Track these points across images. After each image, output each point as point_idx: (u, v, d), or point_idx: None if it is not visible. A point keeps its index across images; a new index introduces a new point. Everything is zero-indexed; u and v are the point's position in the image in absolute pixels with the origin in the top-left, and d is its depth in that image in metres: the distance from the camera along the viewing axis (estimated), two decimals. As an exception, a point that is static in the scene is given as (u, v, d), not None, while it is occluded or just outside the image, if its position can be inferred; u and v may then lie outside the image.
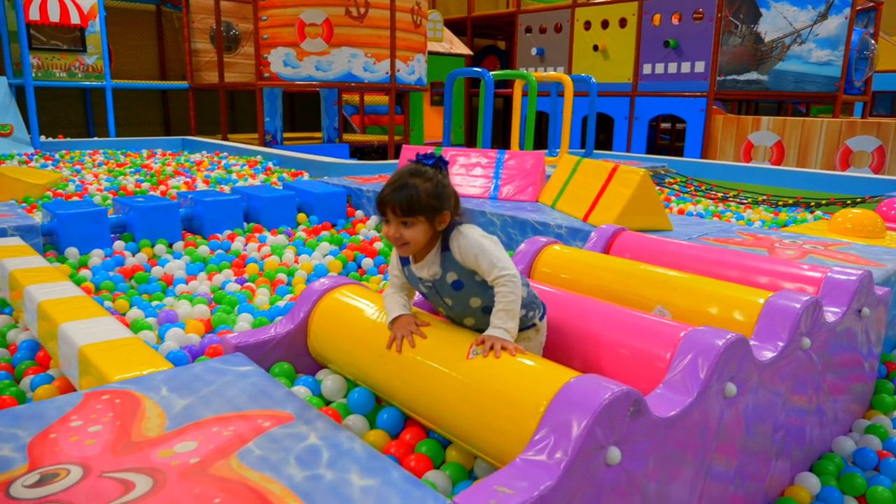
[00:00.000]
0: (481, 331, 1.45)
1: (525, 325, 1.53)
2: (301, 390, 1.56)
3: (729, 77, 8.50)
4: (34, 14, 8.37)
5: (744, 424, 1.47)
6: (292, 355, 1.69)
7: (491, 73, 5.52)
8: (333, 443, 1.13)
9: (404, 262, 1.53)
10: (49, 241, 3.35)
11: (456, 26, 12.40)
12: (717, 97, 8.73)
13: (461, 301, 1.49)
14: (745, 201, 5.39)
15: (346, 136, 9.98)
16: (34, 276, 2.32)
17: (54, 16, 8.56)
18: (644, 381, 1.41)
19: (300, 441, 1.13)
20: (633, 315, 1.58)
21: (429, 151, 1.48)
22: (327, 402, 1.59)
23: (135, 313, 2.44)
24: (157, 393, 1.31)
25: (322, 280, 1.81)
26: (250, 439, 1.14)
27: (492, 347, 1.33)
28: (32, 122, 8.00)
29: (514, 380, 1.24)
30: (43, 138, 8.42)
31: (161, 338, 2.20)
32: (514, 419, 1.18)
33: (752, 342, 1.59)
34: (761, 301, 1.70)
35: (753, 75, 8.39)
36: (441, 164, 1.47)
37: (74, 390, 1.79)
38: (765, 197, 5.52)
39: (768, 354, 1.54)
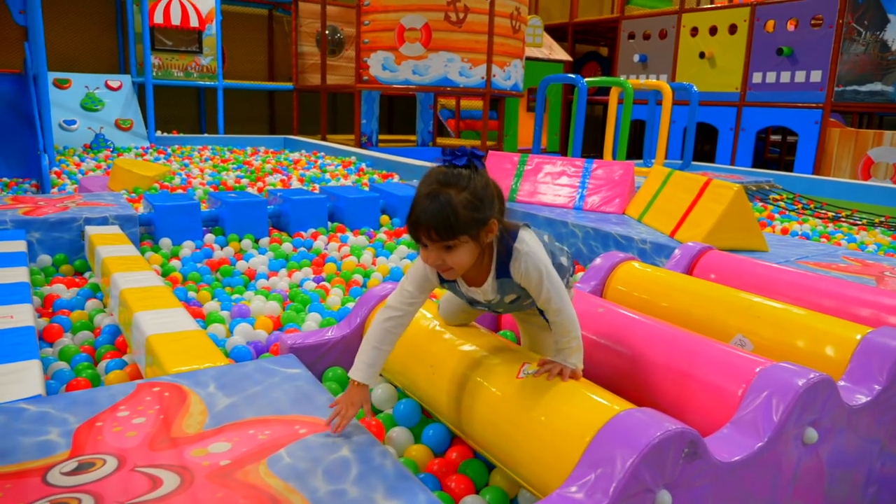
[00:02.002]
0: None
1: None
2: (350, 396, 1.53)
3: (849, 88, 7.88)
4: (158, 17, 8.96)
5: (826, 476, 1.32)
6: (347, 360, 1.67)
7: (585, 80, 5.37)
8: (365, 457, 1.09)
9: (441, 279, 1.29)
10: (147, 231, 3.53)
11: (557, 32, 12.21)
12: (834, 109, 8.12)
13: (513, 309, 1.42)
14: (858, 222, 4.96)
15: (440, 140, 10.04)
16: (122, 264, 2.44)
17: (176, 19, 9.12)
18: (710, 419, 1.29)
19: (332, 452, 1.10)
20: (704, 343, 1.45)
21: (459, 148, 1.23)
22: (377, 411, 1.56)
23: (211, 306, 2.52)
24: (205, 389, 1.32)
25: (383, 284, 1.78)
26: (283, 445, 1.12)
27: (555, 370, 1.22)
28: (150, 117, 8.55)
29: (563, 406, 1.15)
30: (158, 133, 8.98)
31: (231, 332, 2.25)
32: (556, 448, 1.10)
33: (842, 383, 1.43)
34: (858, 337, 1.52)
35: (877, 86, 7.73)
36: (476, 162, 1.22)
37: (142, 377, 1.86)
38: (882, 219, 5.05)
39: (861, 399, 1.37)
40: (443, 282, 1.31)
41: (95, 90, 8.54)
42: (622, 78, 9.50)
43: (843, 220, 5.09)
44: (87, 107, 8.37)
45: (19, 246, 2.67)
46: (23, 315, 1.86)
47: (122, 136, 8.30)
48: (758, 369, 1.30)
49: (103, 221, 3.20)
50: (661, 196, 3.37)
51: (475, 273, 1.28)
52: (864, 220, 5.00)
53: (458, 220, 1.14)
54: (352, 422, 1.21)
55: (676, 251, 2.39)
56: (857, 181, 6.67)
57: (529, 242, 1.27)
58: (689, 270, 2.30)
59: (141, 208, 3.78)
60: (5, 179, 5.84)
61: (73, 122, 8.09)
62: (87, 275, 3.02)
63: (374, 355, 1.25)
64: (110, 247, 2.70)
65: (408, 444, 1.42)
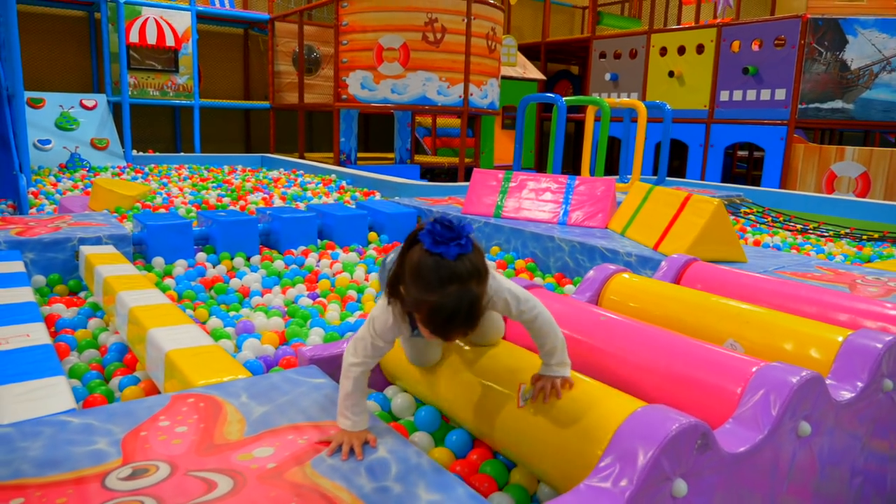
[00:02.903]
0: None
1: None
2: (371, 405, 1.61)
3: (811, 105, 8.21)
4: (134, 36, 8.96)
5: (818, 468, 1.43)
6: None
7: (564, 98, 5.53)
8: (402, 457, 1.17)
9: (416, 327, 1.26)
10: (138, 250, 3.56)
11: (530, 51, 12.48)
12: (798, 125, 8.44)
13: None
14: (825, 234, 5.18)
15: (418, 158, 10.16)
16: (126, 282, 2.47)
17: (152, 38, 9.13)
18: (712, 416, 1.39)
19: (370, 453, 1.18)
20: (702, 347, 1.56)
21: (460, 225, 1.12)
22: (395, 419, 1.63)
23: (214, 322, 2.57)
24: (238, 399, 1.38)
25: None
26: (323, 448, 1.19)
27: (548, 388, 1.28)
28: (126, 137, 8.52)
29: (581, 407, 1.25)
30: (134, 152, 8.94)
31: (238, 347, 2.30)
32: (579, 445, 1.19)
33: (828, 381, 1.55)
34: (840, 339, 1.64)
35: (838, 104, 8.08)
36: (471, 241, 1.14)
37: (158, 392, 1.90)
38: (848, 230, 5.29)
39: (846, 395, 1.49)
40: (413, 329, 1.31)
41: (70, 109, 8.49)
42: (595, 96, 9.75)
43: (811, 232, 5.31)
44: (61, 126, 8.31)
45: (18, 266, 2.69)
46: (38, 333, 1.89)
47: (99, 155, 8.25)
48: (754, 369, 1.41)
49: (97, 241, 3.22)
50: (642, 211, 3.51)
51: None
52: (831, 232, 5.22)
53: (480, 311, 1.15)
54: (382, 426, 1.29)
55: (663, 263, 2.51)
56: (822, 195, 6.95)
57: (494, 287, 1.27)
58: (676, 281, 2.42)
59: (130, 228, 3.80)
60: (-18, 200, 5.77)
61: (48, 142, 8.03)
62: (82, 294, 3.03)
63: (360, 403, 1.24)
64: (109, 266, 2.73)
65: (429, 448, 1.50)
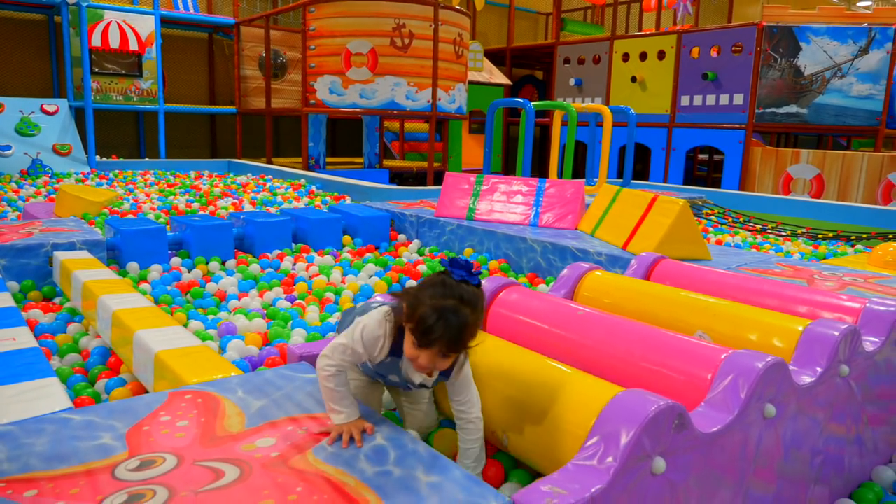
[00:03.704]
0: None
1: None
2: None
3: (768, 110, 8.51)
4: (96, 40, 8.83)
5: (782, 448, 1.53)
6: (350, 367, 1.81)
7: (532, 103, 5.65)
8: (399, 444, 1.23)
9: (393, 353, 1.35)
10: (111, 256, 3.54)
11: (495, 56, 12.64)
12: (755, 129, 8.73)
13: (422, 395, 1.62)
14: (783, 234, 5.39)
15: (386, 162, 10.21)
16: (105, 287, 2.48)
17: (115, 42, 9.01)
18: (686, 401, 1.48)
19: (368, 441, 1.23)
20: (674, 338, 1.65)
21: (472, 264, 1.28)
22: (387, 415, 1.69)
23: (195, 325, 2.59)
24: (234, 394, 1.42)
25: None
26: (322, 438, 1.25)
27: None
28: (90, 142, 8.39)
29: (565, 394, 1.33)
30: (98, 158, 8.80)
31: (222, 348, 2.33)
32: (564, 429, 1.27)
33: (791, 367, 1.65)
34: (800, 328, 1.76)
35: (793, 108, 8.39)
36: (479, 281, 1.29)
37: (146, 392, 1.93)
38: (804, 230, 5.51)
39: (807, 379, 1.60)
40: (389, 355, 1.36)
41: (31, 114, 8.32)
42: (561, 100, 9.93)
43: (770, 231, 5.51)
44: (22, 132, 8.14)
45: (-7, 272, 2.67)
46: (23, 337, 1.90)
47: (61, 161, 8.11)
48: (723, 356, 1.51)
49: (71, 247, 3.21)
50: (611, 212, 3.63)
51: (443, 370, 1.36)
52: (789, 232, 5.44)
53: (468, 338, 1.25)
54: (377, 416, 1.35)
55: (633, 261, 2.62)
56: (780, 196, 7.21)
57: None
58: (646, 278, 2.52)
59: (102, 233, 3.78)
60: (-60, 207, 5.65)
61: (8, 148, 7.86)
62: (57, 300, 3.02)
63: (346, 397, 1.29)
64: (87, 271, 2.73)
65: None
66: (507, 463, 1.49)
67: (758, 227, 5.70)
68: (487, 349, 1.59)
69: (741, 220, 6.05)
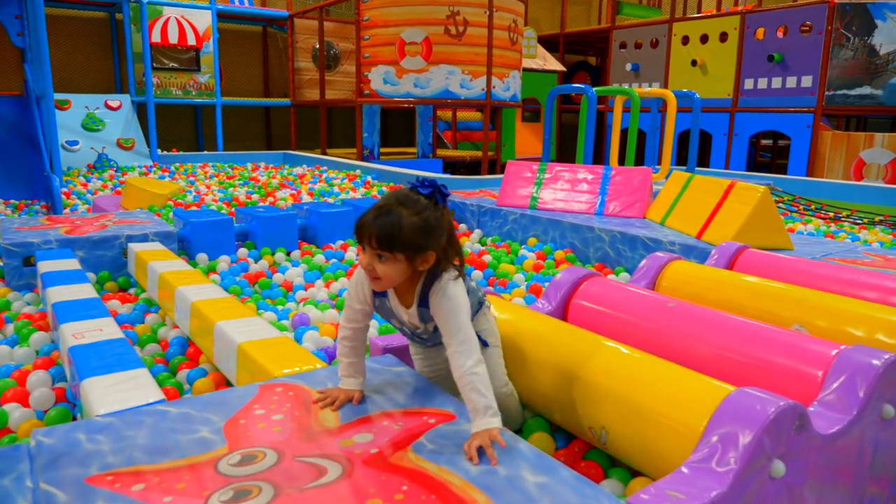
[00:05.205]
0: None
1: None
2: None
3: (839, 92, 8.13)
4: (156, 36, 9.04)
5: (899, 449, 1.43)
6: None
7: (594, 89, 5.52)
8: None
9: (379, 293, 1.37)
10: (180, 247, 3.60)
11: (548, 42, 12.43)
12: (825, 113, 8.36)
13: (437, 355, 1.53)
14: (859, 221, 5.13)
15: (440, 152, 10.17)
16: (182, 278, 2.51)
17: (173, 38, 9.20)
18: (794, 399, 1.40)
19: (464, 438, 1.19)
20: (777, 332, 1.56)
21: (428, 179, 1.29)
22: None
23: (268, 316, 2.60)
24: (324, 387, 1.41)
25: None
26: (420, 434, 1.21)
27: (481, 452, 1.14)
28: (152, 136, 8.60)
29: (672, 392, 1.26)
30: (159, 152, 9.03)
31: (297, 339, 2.33)
32: (672, 429, 1.20)
33: (905, 365, 1.55)
34: (911, 323, 1.64)
35: (867, 90, 7.98)
36: (438, 197, 1.28)
37: (228, 383, 1.94)
38: (882, 217, 5.24)
39: (924, 378, 1.49)
40: (375, 295, 1.37)
41: (96, 110, 8.58)
42: (618, 85, 9.70)
43: (844, 219, 5.26)
44: (88, 127, 8.40)
45: (74, 264, 2.74)
46: (109, 328, 1.93)
47: (125, 155, 8.35)
48: (833, 353, 1.41)
49: (144, 238, 3.27)
50: (682, 199, 3.50)
51: (405, 294, 1.35)
52: (865, 220, 5.18)
53: (400, 237, 1.22)
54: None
55: (714, 251, 2.51)
56: (852, 182, 6.88)
57: (451, 281, 1.31)
58: (728, 268, 2.42)
59: (171, 225, 3.84)
60: (14, 201, 5.87)
61: (76, 143, 8.12)
62: (132, 291, 3.08)
63: (355, 366, 1.37)
64: (162, 262, 2.78)
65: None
66: (603, 462, 1.43)
67: (830, 214, 5.45)
68: (577, 341, 1.53)
69: (812, 207, 5.80)
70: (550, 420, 1.60)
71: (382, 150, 10.70)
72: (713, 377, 1.52)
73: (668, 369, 1.35)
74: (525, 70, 10.42)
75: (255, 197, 5.97)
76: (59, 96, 8.36)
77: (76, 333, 1.85)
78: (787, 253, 2.88)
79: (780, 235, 2.95)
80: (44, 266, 2.69)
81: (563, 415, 1.49)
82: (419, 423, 1.26)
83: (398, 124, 12.40)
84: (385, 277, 1.27)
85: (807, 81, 8.28)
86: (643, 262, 2.30)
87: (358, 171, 7.72)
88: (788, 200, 6.01)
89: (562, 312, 1.98)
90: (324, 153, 9.48)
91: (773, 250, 2.90)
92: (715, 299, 2.04)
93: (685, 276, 2.18)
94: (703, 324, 1.67)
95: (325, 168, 8.36)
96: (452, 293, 1.29)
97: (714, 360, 1.58)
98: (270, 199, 5.92)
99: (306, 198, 6.06)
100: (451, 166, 9.51)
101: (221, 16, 9.93)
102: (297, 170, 8.29)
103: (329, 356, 2.17)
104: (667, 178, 5.94)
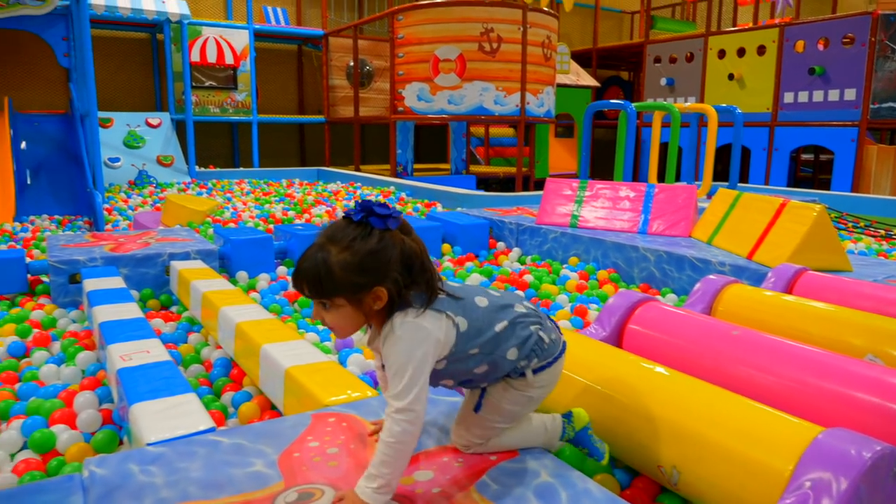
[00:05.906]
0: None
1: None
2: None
3: (885, 105, 7.90)
4: (195, 56, 9.21)
5: None
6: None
7: (633, 105, 5.44)
8: (567, 482, 1.12)
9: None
10: (221, 265, 3.60)
11: (580, 58, 12.37)
12: (870, 126, 8.13)
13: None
14: (913, 240, 4.95)
15: (473, 168, 10.15)
16: (225, 297, 2.50)
17: (212, 57, 9.36)
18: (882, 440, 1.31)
19: (533, 477, 1.13)
20: (855, 364, 1.47)
21: (361, 201, 1.11)
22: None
23: (310, 337, 2.57)
24: (378, 418, 1.35)
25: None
26: (482, 472, 1.15)
27: None
28: (190, 153, 8.73)
29: (750, 431, 1.18)
30: (197, 168, 9.16)
31: (341, 363, 2.29)
32: (754, 472, 1.12)
33: None
34: None
35: (914, 103, 7.76)
36: (372, 220, 1.07)
37: (272, 407, 1.90)
38: (937, 235, 5.04)
39: None
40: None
41: (136, 128, 8.75)
42: (653, 101, 9.59)
43: (896, 237, 5.07)
44: (129, 144, 8.56)
45: (118, 282, 2.75)
46: (156, 350, 1.91)
47: (165, 171, 8.48)
48: (922, 388, 1.32)
49: (185, 256, 3.28)
50: (730, 218, 3.40)
51: (377, 334, 1.13)
52: (919, 237, 4.98)
53: (331, 279, 1.05)
54: (536, 448, 1.24)
55: (770, 274, 2.41)
56: (902, 198, 6.65)
57: (406, 320, 1.07)
58: (787, 292, 2.32)
59: (212, 242, 3.86)
60: (58, 217, 5.97)
61: (117, 160, 8.28)
62: (174, 309, 3.08)
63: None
64: (205, 281, 2.77)
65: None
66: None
67: (881, 232, 5.26)
68: (639, 370, 1.46)
69: (861, 224, 5.61)
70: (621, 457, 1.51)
71: (416, 166, 10.71)
72: (788, 413, 1.44)
73: (744, 405, 1.27)
74: (558, 86, 10.36)
75: (290, 213, 5.99)
76: (102, 114, 8.56)
77: (124, 355, 1.84)
78: (845, 275, 2.77)
79: (838, 256, 2.83)
80: (89, 284, 2.70)
81: (625, 450, 1.42)
82: (480, 459, 1.20)
83: (431, 141, 12.42)
84: (336, 327, 1.10)
85: (850, 94, 8.07)
86: (697, 285, 2.22)
87: (392, 188, 7.72)
88: (836, 217, 5.83)
89: (616, 339, 1.90)
90: (357, 169, 9.52)
91: (830, 271, 2.78)
92: (778, 326, 1.94)
93: (744, 301, 2.09)
94: (772, 353, 1.58)
95: (359, 184, 8.39)
96: (402, 334, 1.06)
97: (785, 393, 1.49)
98: (306, 215, 5.94)
99: (341, 214, 6.06)
100: (483, 182, 9.47)
101: (258, 35, 10.08)
102: (332, 186, 8.33)
103: (374, 381, 2.12)
104: (708, 195, 5.82)
